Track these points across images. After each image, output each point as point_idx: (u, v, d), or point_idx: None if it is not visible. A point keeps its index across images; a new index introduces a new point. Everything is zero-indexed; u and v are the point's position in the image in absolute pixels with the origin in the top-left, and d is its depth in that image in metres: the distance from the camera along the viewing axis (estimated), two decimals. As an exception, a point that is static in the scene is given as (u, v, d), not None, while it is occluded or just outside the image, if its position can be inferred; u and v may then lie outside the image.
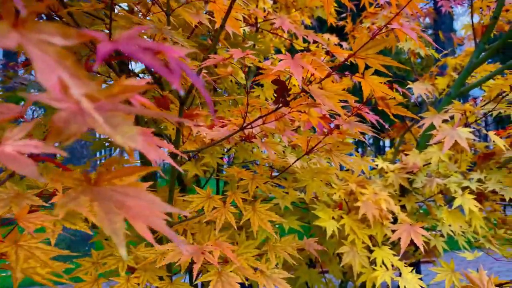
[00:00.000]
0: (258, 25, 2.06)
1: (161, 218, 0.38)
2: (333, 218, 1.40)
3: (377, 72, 0.96)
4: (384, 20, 2.38)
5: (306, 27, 3.24)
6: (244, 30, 2.25)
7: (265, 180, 1.13)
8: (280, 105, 0.94)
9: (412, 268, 1.38)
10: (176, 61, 0.31)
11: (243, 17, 2.33)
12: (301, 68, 0.80)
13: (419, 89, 1.62)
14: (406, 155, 1.96)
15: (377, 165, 1.73)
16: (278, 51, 2.88)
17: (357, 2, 3.03)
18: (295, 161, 1.21)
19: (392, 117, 1.12)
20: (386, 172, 1.73)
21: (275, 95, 0.93)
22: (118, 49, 0.28)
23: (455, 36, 3.08)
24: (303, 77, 1.00)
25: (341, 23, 2.90)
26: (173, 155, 1.13)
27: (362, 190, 1.50)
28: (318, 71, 1.00)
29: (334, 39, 3.18)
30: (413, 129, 2.40)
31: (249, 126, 1.01)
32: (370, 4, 2.62)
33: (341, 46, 3.24)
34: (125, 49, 0.28)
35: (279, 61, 0.81)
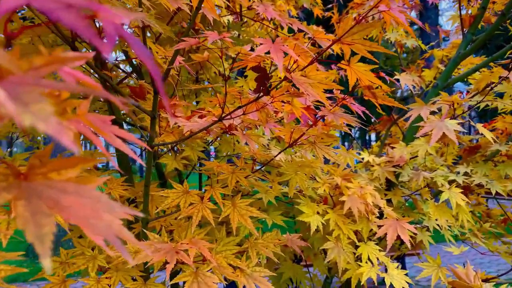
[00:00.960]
0: (242, 14, 1.99)
1: (107, 219, 0.32)
2: (317, 213, 1.36)
3: (364, 61, 0.91)
4: (371, 10, 2.33)
5: (292, 18, 3.18)
6: (228, 20, 2.18)
7: (246, 174, 1.07)
8: (261, 94, 0.88)
9: (398, 263, 1.35)
10: (113, 26, 0.25)
11: (227, 5, 2.26)
12: (282, 53, 0.74)
13: (406, 80, 1.58)
14: (393, 148, 1.92)
15: (362, 159, 1.69)
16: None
17: (343, -8, 2.97)
18: (277, 154, 1.16)
19: (379, 109, 1.07)
20: (372, 166, 1.69)
21: (256, 83, 0.87)
22: (30, 4, 0.21)
23: (441, 29, 3.06)
24: (285, 65, 0.94)
25: (327, 14, 2.84)
26: (150, 148, 1.06)
27: (348, 184, 1.46)
28: (302, 57, 0.94)
29: (320, 29, 3.12)
30: (399, 122, 2.37)
31: (228, 117, 0.95)
32: (357, -6, 2.57)
33: (327, 38, 3.19)
34: (40, 4, 0.21)
35: (258, 46, 0.75)
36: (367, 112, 1.14)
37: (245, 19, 2.08)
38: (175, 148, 1.49)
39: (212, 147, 2.11)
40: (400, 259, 4.13)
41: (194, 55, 0.87)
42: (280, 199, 1.58)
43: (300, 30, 1.58)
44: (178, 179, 2.10)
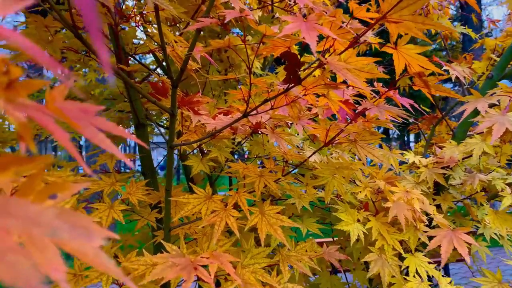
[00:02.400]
0: (274, 6, 1.87)
1: (42, 254, 0.20)
2: (358, 220, 1.21)
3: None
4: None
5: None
6: (258, 16, 2.07)
7: (275, 178, 0.94)
8: (291, 84, 0.76)
9: (450, 279, 1.18)
10: None
11: None
12: (316, 32, 0.61)
13: (456, 71, 1.40)
14: (441, 147, 1.74)
15: (407, 160, 1.52)
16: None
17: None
18: (312, 154, 1.03)
19: (431, 100, 0.92)
20: (418, 167, 1.52)
21: (285, 72, 0.75)
22: None
23: (489, 19, 2.81)
24: (318, 51, 0.81)
25: (364, 6, 2.67)
26: (170, 148, 0.96)
27: (392, 188, 1.30)
28: (339, 42, 0.81)
29: (356, 24, 2.95)
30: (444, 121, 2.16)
31: (253, 112, 0.83)
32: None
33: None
34: None
35: (287, 25, 0.63)
36: (415, 105, 0.99)
37: (276, 13, 1.96)
38: (203, 149, 1.39)
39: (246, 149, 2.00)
40: (444, 266, 3.87)
41: (213, 41, 0.76)
42: (315, 204, 1.45)
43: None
44: (208, 181, 2.00)
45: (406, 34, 0.75)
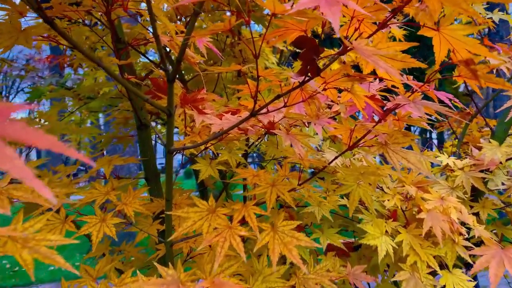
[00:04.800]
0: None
1: None
2: (386, 232, 1.06)
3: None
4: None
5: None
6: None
7: (290, 187, 0.81)
8: (308, 77, 0.62)
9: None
10: None
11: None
12: (339, 6, 0.47)
13: (496, 61, 1.23)
14: (478, 148, 1.57)
15: (441, 162, 1.36)
16: (314, 35, 2.53)
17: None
18: (333, 160, 0.89)
19: (478, 93, 0.77)
20: (452, 170, 1.36)
21: (300, 62, 0.61)
22: None
23: (524, 7, 2.59)
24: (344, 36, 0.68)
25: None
26: (168, 153, 0.83)
27: (424, 195, 1.15)
28: (366, 24, 0.67)
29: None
30: (478, 118, 1.98)
31: (263, 111, 0.70)
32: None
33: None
34: None
35: (302, -2, 0.49)
36: (455, 100, 0.84)
37: None
38: (211, 152, 1.27)
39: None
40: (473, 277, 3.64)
41: (213, 25, 0.63)
42: (335, 212, 1.30)
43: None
44: (222, 186, 1.88)
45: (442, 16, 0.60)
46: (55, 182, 1.12)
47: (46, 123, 1.35)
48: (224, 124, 0.81)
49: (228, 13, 1.79)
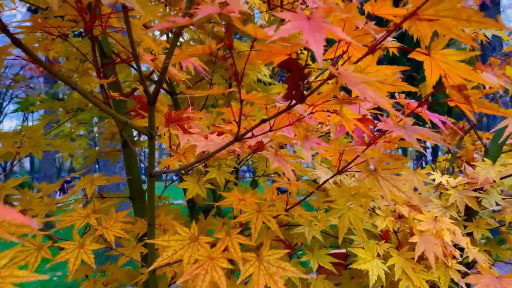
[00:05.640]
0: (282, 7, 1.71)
1: None
2: (378, 255, 1.03)
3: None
4: None
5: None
6: (268, 17, 1.91)
7: (276, 213, 0.77)
8: (293, 102, 0.59)
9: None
10: None
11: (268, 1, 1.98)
12: (323, 34, 0.45)
13: (490, 80, 1.21)
14: (471, 165, 1.54)
15: (433, 180, 1.34)
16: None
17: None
18: (321, 184, 0.85)
19: (470, 116, 0.74)
20: (446, 189, 1.33)
21: (286, 85, 0.58)
22: None
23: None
24: (329, 59, 0.65)
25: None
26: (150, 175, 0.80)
27: (417, 215, 1.12)
28: (355, 47, 0.64)
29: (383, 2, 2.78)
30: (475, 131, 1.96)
31: (248, 135, 0.67)
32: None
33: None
34: None
35: (285, 23, 0.46)
36: (448, 121, 0.81)
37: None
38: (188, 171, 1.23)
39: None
40: None
41: (193, 49, 0.59)
42: (325, 231, 1.27)
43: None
44: (213, 199, 1.83)
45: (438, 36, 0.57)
46: (35, 201, 1.08)
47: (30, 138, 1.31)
48: (209, 146, 0.78)
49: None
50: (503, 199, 1.26)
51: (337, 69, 0.53)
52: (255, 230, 0.72)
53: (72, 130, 2.38)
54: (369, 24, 0.59)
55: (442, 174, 1.42)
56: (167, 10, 1.21)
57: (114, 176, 1.12)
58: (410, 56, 0.65)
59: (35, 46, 1.13)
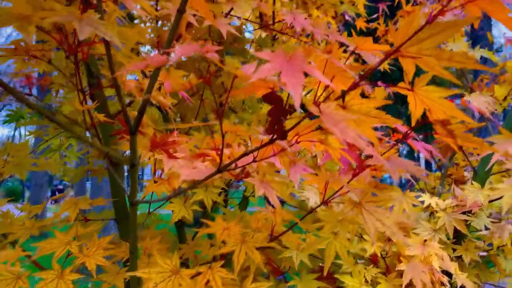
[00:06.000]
0: (273, 28, 1.71)
1: None
2: (366, 281, 1.02)
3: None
4: (425, 19, 1.98)
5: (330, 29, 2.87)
6: (260, 35, 1.92)
7: (261, 243, 0.76)
8: (274, 136, 0.58)
9: None
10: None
11: (259, 18, 1.99)
12: (301, 75, 0.44)
13: (478, 102, 1.22)
14: (458, 181, 1.55)
15: (422, 202, 1.33)
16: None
17: (390, 2, 2.63)
18: (307, 214, 0.84)
19: (456, 150, 0.74)
20: (436, 211, 1.33)
21: (268, 118, 0.57)
22: None
23: (506, 37, 2.63)
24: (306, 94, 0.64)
25: (372, 25, 2.51)
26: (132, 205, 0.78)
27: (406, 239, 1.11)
28: (338, 79, 0.64)
29: (366, 39, 2.79)
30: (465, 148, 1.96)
31: (231, 166, 0.66)
32: (407, 2, 2.24)
33: (372, 52, 2.86)
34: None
35: (263, 64, 0.46)
36: (434, 151, 0.81)
37: (276, 33, 1.80)
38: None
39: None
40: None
41: (175, 83, 0.58)
42: (313, 254, 1.25)
43: (342, 44, 1.29)
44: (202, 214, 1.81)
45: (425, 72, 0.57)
46: (17, 225, 1.05)
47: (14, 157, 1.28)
48: (193, 175, 0.77)
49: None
50: (492, 222, 1.26)
51: (318, 106, 0.52)
52: (238, 263, 0.71)
53: (62, 143, 2.36)
54: (349, 64, 0.58)
55: (432, 194, 1.42)
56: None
57: (99, 198, 1.10)
58: (394, 89, 0.64)
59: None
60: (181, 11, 0.58)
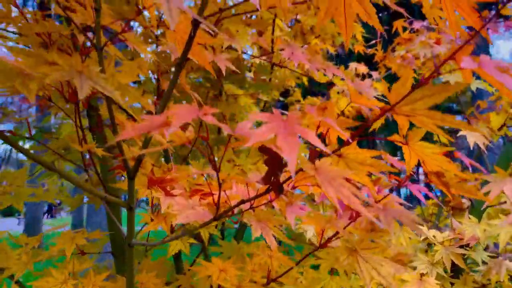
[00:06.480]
0: (272, 56, 1.74)
1: None
2: (362, 320, 1.01)
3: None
4: (422, 47, 2.01)
5: (331, 56, 2.91)
6: (259, 62, 1.94)
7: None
8: (270, 188, 0.59)
9: None
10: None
11: (259, 46, 2.01)
12: (296, 140, 0.45)
13: (474, 136, 1.23)
14: (456, 208, 1.55)
15: (419, 235, 1.33)
16: (299, 84, 2.56)
17: (388, 27, 2.67)
18: (303, 258, 0.84)
19: (449, 196, 0.74)
20: (433, 244, 1.33)
21: (265, 166, 0.58)
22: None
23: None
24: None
25: (370, 51, 2.55)
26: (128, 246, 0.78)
27: (403, 275, 1.11)
28: (333, 130, 0.65)
29: (362, 68, 2.82)
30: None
31: (227, 213, 0.66)
32: (404, 29, 2.27)
33: (370, 76, 2.89)
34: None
35: (259, 127, 0.47)
36: (430, 194, 0.81)
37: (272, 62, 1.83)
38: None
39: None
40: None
41: (172, 136, 0.59)
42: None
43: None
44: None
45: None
46: (13, 259, 1.05)
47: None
48: (189, 218, 0.77)
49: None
50: (489, 256, 1.26)
51: (314, 167, 0.53)
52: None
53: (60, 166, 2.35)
54: (343, 120, 0.59)
55: (430, 222, 1.42)
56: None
57: (95, 231, 1.10)
58: (389, 139, 0.65)
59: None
60: (180, 65, 0.59)
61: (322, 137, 0.65)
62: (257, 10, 1.33)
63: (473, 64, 0.43)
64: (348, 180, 0.59)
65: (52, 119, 2.79)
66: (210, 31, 0.62)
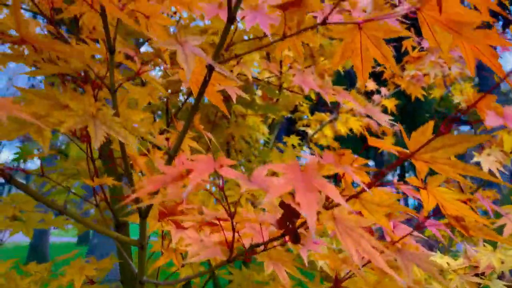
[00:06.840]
0: (281, 77, 1.74)
1: None
2: None
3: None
4: (432, 67, 2.00)
5: (339, 75, 2.90)
6: (267, 80, 1.94)
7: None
8: (285, 234, 0.58)
9: None
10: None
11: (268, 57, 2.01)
12: (316, 195, 0.44)
13: (489, 162, 1.21)
14: (471, 246, 1.52)
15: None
16: (307, 97, 2.55)
17: (396, 43, 2.66)
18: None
19: (466, 235, 0.72)
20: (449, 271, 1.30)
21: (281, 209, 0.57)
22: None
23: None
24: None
25: (379, 68, 2.54)
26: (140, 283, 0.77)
27: (417, 308, 1.08)
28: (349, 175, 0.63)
29: (371, 84, 2.81)
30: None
31: (240, 255, 0.65)
32: (413, 48, 2.27)
33: (379, 92, 2.88)
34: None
35: (278, 176, 0.46)
36: (447, 230, 0.79)
37: (283, 82, 1.82)
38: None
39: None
40: None
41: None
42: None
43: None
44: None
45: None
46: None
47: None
48: (201, 252, 0.76)
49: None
50: (505, 286, 1.23)
51: (333, 215, 0.51)
52: None
53: (69, 186, 2.36)
54: (359, 168, 0.58)
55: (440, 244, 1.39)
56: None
57: (105, 260, 1.09)
58: (407, 179, 0.64)
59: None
60: (195, 107, 0.59)
61: (338, 179, 0.64)
62: (266, 35, 1.33)
63: (498, 120, 0.42)
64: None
65: (60, 136, 2.80)
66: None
